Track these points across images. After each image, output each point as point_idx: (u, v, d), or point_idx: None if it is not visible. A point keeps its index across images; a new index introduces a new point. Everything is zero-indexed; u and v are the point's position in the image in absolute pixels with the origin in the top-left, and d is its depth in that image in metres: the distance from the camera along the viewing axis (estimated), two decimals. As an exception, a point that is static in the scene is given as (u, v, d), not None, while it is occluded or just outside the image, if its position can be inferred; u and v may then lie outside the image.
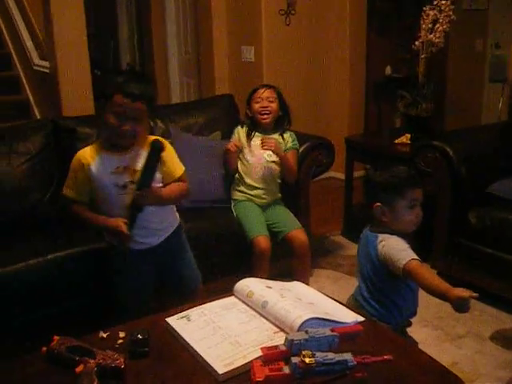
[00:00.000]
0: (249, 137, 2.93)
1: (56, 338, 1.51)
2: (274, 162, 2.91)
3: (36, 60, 5.17)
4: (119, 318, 1.74)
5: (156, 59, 5.82)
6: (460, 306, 1.70)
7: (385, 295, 1.93)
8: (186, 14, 5.33)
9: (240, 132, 2.98)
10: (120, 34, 6.48)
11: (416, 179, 1.95)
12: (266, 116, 2.90)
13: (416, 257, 1.84)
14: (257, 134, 2.93)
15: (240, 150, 2.91)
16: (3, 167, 2.69)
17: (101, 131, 2.16)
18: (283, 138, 2.95)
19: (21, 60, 5.65)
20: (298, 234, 2.80)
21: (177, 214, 2.30)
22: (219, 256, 2.77)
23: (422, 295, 2.92)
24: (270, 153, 2.87)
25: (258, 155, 2.90)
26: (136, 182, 2.03)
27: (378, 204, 1.93)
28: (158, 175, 2.09)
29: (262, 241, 2.70)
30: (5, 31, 5.92)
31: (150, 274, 2.24)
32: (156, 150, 2.00)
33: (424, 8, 3.48)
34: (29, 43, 5.33)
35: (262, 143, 2.78)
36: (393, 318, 1.94)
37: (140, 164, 2.05)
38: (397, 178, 1.93)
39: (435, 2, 3.43)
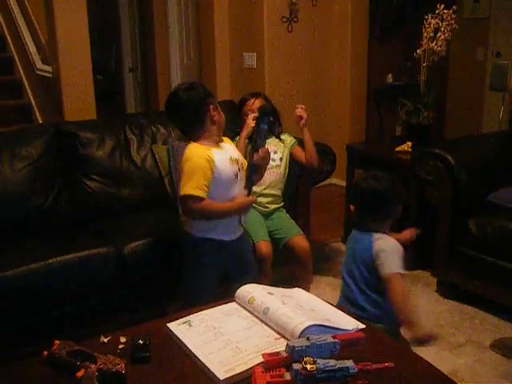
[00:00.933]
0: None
1: (57, 342, 1.51)
2: (278, 165, 2.92)
3: (38, 64, 5.17)
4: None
5: (158, 64, 5.84)
6: (415, 342, 1.85)
7: (380, 294, 1.95)
8: (189, 19, 5.35)
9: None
10: (122, 39, 6.49)
11: (402, 197, 2.09)
12: None
13: (402, 271, 1.90)
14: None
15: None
16: (6, 171, 2.70)
17: (201, 132, 2.23)
18: (282, 141, 2.99)
19: (23, 64, 5.66)
20: (300, 240, 2.82)
21: None
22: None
23: (421, 303, 2.95)
24: (275, 157, 2.90)
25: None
26: (250, 147, 2.28)
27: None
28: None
29: (264, 246, 2.72)
30: (8, 35, 5.92)
31: (221, 266, 2.34)
32: (266, 112, 2.23)
33: (426, 17, 3.50)
34: (31, 47, 5.34)
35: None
36: (388, 317, 1.95)
37: (235, 154, 2.28)
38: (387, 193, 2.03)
39: (437, 11, 3.45)
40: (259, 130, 2.21)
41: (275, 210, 2.93)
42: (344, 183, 4.21)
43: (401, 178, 3.55)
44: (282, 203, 2.97)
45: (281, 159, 2.95)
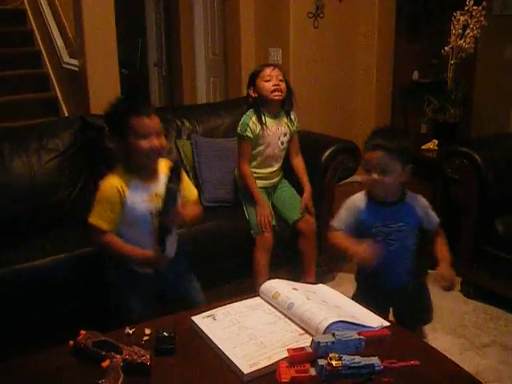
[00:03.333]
0: (261, 123, 2.80)
1: (83, 332, 1.53)
2: (285, 148, 2.93)
3: (65, 58, 5.22)
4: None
5: (183, 59, 5.85)
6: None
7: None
8: (214, 14, 5.35)
9: (255, 123, 2.81)
10: (148, 33, 6.52)
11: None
12: (278, 93, 2.79)
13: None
14: (267, 118, 2.82)
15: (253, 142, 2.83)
16: (33, 163, 2.73)
17: (124, 159, 2.07)
18: (291, 120, 2.91)
19: (50, 58, 5.72)
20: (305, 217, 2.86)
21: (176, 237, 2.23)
22: (235, 257, 2.82)
23: (445, 303, 2.92)
24: (284, 140, 2.89)
25: (273, 145, 2.86)
26: (160, 205, 1.98)
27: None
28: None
29: (266, 236, 2.74)
30: (36, 29, 6.00)
31: (153, 294, 2.14)
32: (177, 172, 1.96)
33: (454, 13, 3.46)
34: (59, 41, 5.39)
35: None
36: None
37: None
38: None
39: (466, 8, 3.40)
40: (169, 190, 1.95)
41: (279, 180, 2.96)
42: (367, 181, 4.19)
43: (426, 177, 3.57)
44: (282, 172, 2.98)
45: (287, 142, 2.91)
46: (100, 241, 2.05)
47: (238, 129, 2.84)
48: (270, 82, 2.78)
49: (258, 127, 2.80)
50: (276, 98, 2.80)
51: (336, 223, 2.03)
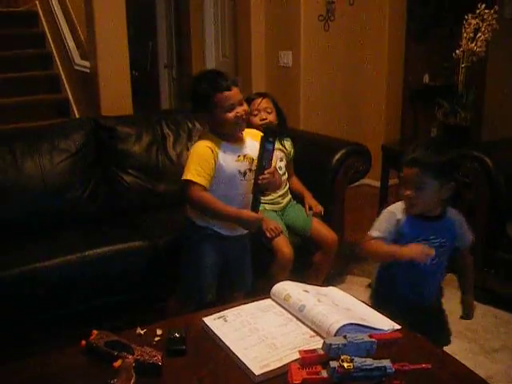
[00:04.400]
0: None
1: (95, 332, 1.54)
2: (284, 173, 2.91)
3: (77, 59, 5.25)
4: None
5: (193, 61, 5.87)
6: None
7: None
8: (225, 16, 5.36)
9: None
10: (158, 35, 6.54)
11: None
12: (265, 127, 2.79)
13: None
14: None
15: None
16: (45, 164, 2.75)
17: (215, 124, 2.22)
18: (284, 147, 2.92)
19: (62, 60, 5.74)
20: (325, 230, 2.83)
21: None
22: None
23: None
24: (281, 165, 2.88)
25: None
26: (256, 168, 2.17)
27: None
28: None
29: (283, 244, 2.66)
30: (48, 31, 6.04)
31: (221, 261, 2.30)
32: (272, 132, 2.14)
33: (466, 17, 3.44)
34: (71, 43, 5.42)
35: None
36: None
37: (255, 153, 2.19)
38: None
39: (478, 11, 3.39)
40: (265, 151, 2.13)
41: (287, 202, 2.92)
42: (376, 183, 4.19)
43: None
44: (290, 195, 2.95)
45: (285, 166, 2.92)
46: (197, 196, 2.14)
47: None
48: (257, 117, 2.81)
49: None
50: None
51: (375, 233, 1.92)
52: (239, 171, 2.19)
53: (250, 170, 2.21)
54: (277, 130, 2.17)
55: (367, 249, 1.97)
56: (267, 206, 2.82)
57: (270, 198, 2.83)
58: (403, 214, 1.88)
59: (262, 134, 2.21)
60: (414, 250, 1.81)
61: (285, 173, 2.92)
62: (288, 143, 2.96)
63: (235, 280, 2.40)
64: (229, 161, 2.17)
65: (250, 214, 2.18)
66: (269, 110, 2.85)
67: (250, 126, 2.76)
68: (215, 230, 2.25)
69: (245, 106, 2.21)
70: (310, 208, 2.86)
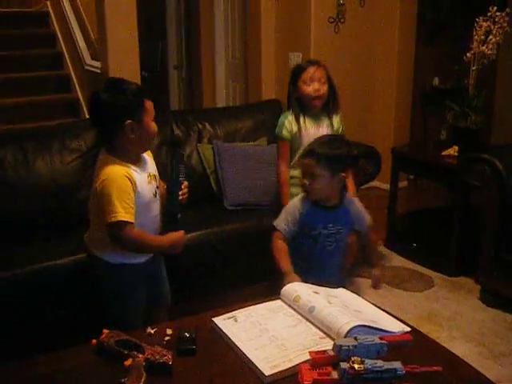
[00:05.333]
0: (299, 123, 2.66)
1: (105, 331, 1.54)
2: None
3: (87, 60, 5.28)
4: None
5: (203, 62, 5.88)
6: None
7: None
8: (235, 18, 5.37)
9: (291, 123, 2.68)
10: (168, 36, 6.56)
11: None
12: (318, 101, 2.66)
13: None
14: (307, 118, 2.68)
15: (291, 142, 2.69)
16: (56, 163, 2.77)
17: (123, 145, 1.95)
18: (332, 123, 2.74)
19: (73, 60, 5.78)
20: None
21: None
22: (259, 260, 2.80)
23: (464, 311, 2.90)
24: None
25: None
26: (169, 185, 2.04)
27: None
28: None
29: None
30: (58, 32, 6.07)
31: (145, 291, 2.13)
32: (178, 147, 2.07)
33: (477, 19, 3.44)
34: (81, 43, 5.45)
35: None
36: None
37: (153, 169, 2.06)
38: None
39: (489, 14, 3.38)
40: (175, 165, 2.02)
41: None
42: (385, 186, 4.18)
43: (446, 183, 3.56)
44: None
45: None
46: (132, 237, 1.91)
47: (276, 129, 2.74)
48: (311, 87, 2.62)
49: (295, 127, 2.66)
50: (316, 104, 2.68)
51: (280, 225, 2.13)
52: (152, 193, 2.02)
53: (158, 187, 2.05)
54: (181, 139, 2.03)
55: (273, 245, 2.13)
56: (295, 191, 2.57)
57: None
58: (305, 205, 2.09)
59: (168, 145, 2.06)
60: (289, 278, 1.95)
61: None
62: (337, 119, 2.77)
63: (157, 297, 2.22)
64: (144, 185, 1.97)
65: (176, 237, 2.02)
66: (323, 81, 2.64)
67: (302, 96, 2.65)
68: (134, 262, 2.05)
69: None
70: None
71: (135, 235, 1.92)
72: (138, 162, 2.00)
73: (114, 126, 1.92)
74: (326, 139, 2.16)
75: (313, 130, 2.67)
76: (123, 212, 1.87)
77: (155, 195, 2.03)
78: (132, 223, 1.90)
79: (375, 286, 2.29)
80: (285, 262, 2.06)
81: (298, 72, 2.68)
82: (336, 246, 2.14)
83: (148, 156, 2.08)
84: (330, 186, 2.05)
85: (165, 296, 2.28)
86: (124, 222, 1.87)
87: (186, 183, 2.06)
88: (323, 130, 2.70)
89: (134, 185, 1.91)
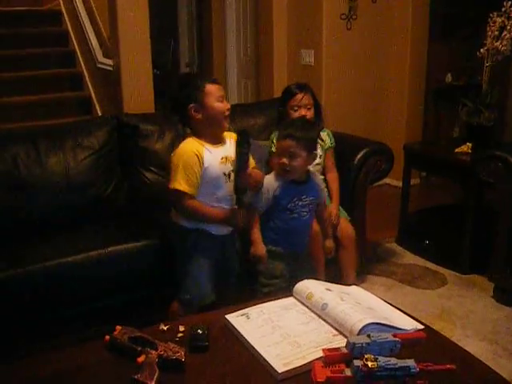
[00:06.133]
0: None
1: (118, 327, 1.55)
2: (318, 163, 2.89)
3: (100, 58, 5.29)
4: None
5: (215, 60, 5.88)
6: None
7: None
8: (247, 15, 5.37)
9: None
10: (180, 34, 6.57)
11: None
12: None
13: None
14: None
15: None
16: (69, 160, 2.77)
17: (196, 128, 2.27)
18: (320, 138, 2.87)
19: (85, 57, 5.79)
20: (344, 224, 2.81)
21: None
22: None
23: (477, 309, 2.88)
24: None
25: None
26: (234, 167, 2.20)
27: None
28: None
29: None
30: (71, 30, 6.09)
31: (214, 261, 2.32)
32: (246, 136, 2.15)
33: (491, 15, 3.41)
34: (94, 41, 5.46)
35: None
36: None
37: (231, 152, 2.22)
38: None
39: (503, 9, 3.35)
40: (240, 154, 2.16)
41: None
42: (397, 183, 4.16)
43: (459, 180, 3.53)
44: (326, 189, 2.90)
45: (320, 157, 2.89)
46: (186, 205, 2.19)
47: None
48: (297, 113, 2.82)
49: None
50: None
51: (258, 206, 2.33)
52: (224, 173, 2.24)
53: (234, 171, 2.24)
54: (249, 133, 2.21)
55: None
56: None
57: None
58: (278, 182, 2.30)
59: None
60: (258, 251, 2.31)
61: (318, 164, 2.88)
62: (324, 134, 2.95)
63: (225, 274, 2.40)
64: (214, 164, 2.21)
65: (234, 212, 2.25)
66: (309, 107, 2.85)
67: (290, 117, 2.83)
68: (205, 229, 2.27)
69: (228, 105, 2.28)
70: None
71: (190, 205, 2.19)
72: (215, 142, 2.26)
73: (183, 112, 2.25)
74: (300, 123, 2.40)
75: None
76: (183, 182, 2.16)
77: (228, 176, 2.24)
78: (189, 194, 2.17)
79: (327, 255, 2.57)
80: (255, 233, 2.31)
81: (286, 97, 2.91)
82: (310, 215, 2.39)
83: (231, 140, 2.27)
84: (306, 163, 2.32)
85: (232, 274, 2.43)
86: (181, 191, 2.16)
87: (248, 171, 2.21)
88: None
89: (200, 161, 2.17)
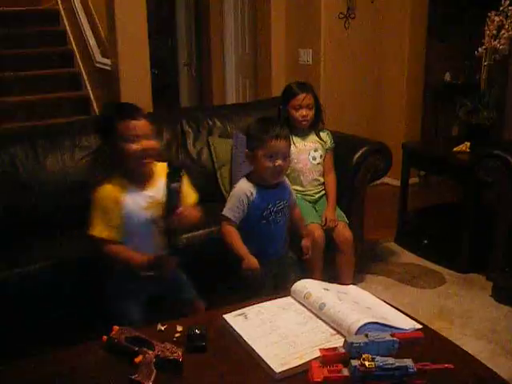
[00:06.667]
0: None
1: (116, 327, 1.55)
2: (320, 163, 2.92)
3: (98, 57, 5.29)
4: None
5: (213, 58, 5.89)
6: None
7: None
8: (245, 14, 5.37)
9: None
10: (178, 33, 6.57)
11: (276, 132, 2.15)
12: (305, 123, 2.88)
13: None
14: (294, 136, 2.82)
15: None
16: (67, 160, 2.77)
17: (116, 166, 2.02)
18: (320, 138, 2.93)
19: (83, 57, 5.79)
20: (341, 227, 2.80)
21: None
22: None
23: (475, 308, 2.88)
24: (316, 155, 2.90)
25: (304, 160, 2.88)
26: (164, 206, 1.93)
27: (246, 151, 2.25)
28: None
29: (315, 228, 2.70)
30: (69, 29, 6.09)
31: (145, 297, 2.11)
32: (177, 171, 1.92)
33: (489, 14, 3.41)
34: (92, 41, 5.46)
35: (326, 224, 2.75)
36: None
37: (160, 194, 1.96)
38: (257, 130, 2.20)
39: (501, 8, 3.35)
40: (171, 190, 1.89)
41: (320, 196, 2.92)
42: (396, 182, 4.16)
43: (458, 179, 3.53)
44: (324, 191, 2.94)
45: (321, 157, 2.92)
46: (105, 251, 1.99)
47: None
48: (299, 112, 2.85)
49: None
50: (303, 125, 2.89)
51: (229, 213, 2.21)
52: (150, 219, 1.99)
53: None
54: (181, 167, 1.95)
55: (225, 233, 2.22)
56: (299, 195, 2.81)
57: (301, 189, 2.87)
58: (253, 189, 2.19)
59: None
60: (251, 264, 2.13)
61: (319, 163, 2.91)
62: (324, 134, 2.96)
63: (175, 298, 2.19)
64: (136, 209, 1.98)
65: (158, 258, 1.96)
66: (310, 107, 2.87)
67: (290, 118, 2.87)
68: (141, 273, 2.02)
69: (151, 143, 2.00)
70: (326, 221, 2.79)
71: (109, 250, 1.98)
72: (142, 183, 2.02)
73: (104, 144, 2.05)
74: (273, 122, 2.26)
75: (300, 146, 2.89)
76: (101, 227, 1.96)
77: (154, 221, 1.98)
78: (107, 240, 1.97)
79: (305, 254, 2.41)
80: (241, 247, 2.17)
81: (288, 97, 2.90)
82: (283, 219, 2.29)
83: (161, 178, 1.98)
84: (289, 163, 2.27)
85: (187, 294, 2.20)
86: (97, 237, 1.97)
87: (181, 209, 1.93)
88: (310, 144, 2.92)
89: (120, 206, 1.96)
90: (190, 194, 2.11)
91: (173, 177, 1.89)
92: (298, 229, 2.45)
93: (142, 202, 1.99)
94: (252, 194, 2.19)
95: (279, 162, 2.14)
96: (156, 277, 2.01)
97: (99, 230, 1.97)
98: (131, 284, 2.04)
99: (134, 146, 1.94)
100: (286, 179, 2.39)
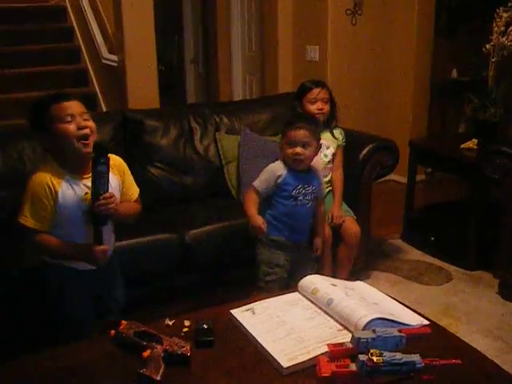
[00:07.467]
0: None
1: (124, 322, 1.55)
2: (330, 161, 2.93)
3: (105, 54, 5.29)
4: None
5: (219, 56, 5.88)
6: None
7: None
8: (252, 11, 5.36)
9: None
10: (185, 30, 6.57)
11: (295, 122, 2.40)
12: (321, 115, 2.89)
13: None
14: None
15: None
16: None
17: (57, 153, 1.92)
18: (333, 135, 2.94)
19: (90, 53, 5.79)
20: (350, 223, 2.80)
21: (114, 235, 2.10)
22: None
23: (482, 305, 2.88)
24: (327, 153, 2.90)
25: (316, 159, 2.88)
26: (91, 192, 1.84)
27: None
28: (114, 183, 1.94)
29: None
30: (76, 26, 6.10)
31: (89, 295, 2.03)
32: (102, 152, 1.82)
33: (497, 10, 3.39)
34: (98, 37, 5.46)
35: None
36: None
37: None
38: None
39: (510, 4, 3.34)
40: (97, 173, 1.79)
41: (327, 193, 2.91)
42: (403, 179, 4.16)
43: (465, 176, 3.52)
44: (331, 187, 2.95)
45: (332, 155, 2.93)
46: (33, 241, 1.88)
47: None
48: (315, 105, 2.88)
49: None
50: (318, 118, 2.87)
51: (257, 184, 2.42)
52: (82, 210, 1.88)
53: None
54: (107, 146, 1.91)
55: (244, 197, 2.50)
56: None
57: None
58: (285, 169, 2.39)
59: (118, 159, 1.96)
60: (255, 223, 2.35)
61: (330, 161, 2.92)
62: (337, 131, 2.98)
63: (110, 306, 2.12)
64: (71, 200, 1.87)
65: (93, 249, 1.88)
66: (325, 100, 2.90)
67: (306, 111, 2.89)
68: (71, 266, 1.95)
69: (89, 123, 1.90)
70: (332, 218, 2.80)
71: (37, 241, 1.88)
72: (81, 172, 1.91)
73: (37, 127, 1.94)
74: (305, 116, 2.63)
75: None
76: (29, 216, 1.86)
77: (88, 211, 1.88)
78: (35, 229, 1.86)
79: (316, 251, 2.57)
80: (250, 208, 2.39)
81: (303, 91, 2.94)
82: (312, 204, 2.45)
83: (112, 168, 1.90)
84: (315, 153, 2.45)
85: (112, 311, 2.11)
86: (24, 225, 1.86)
87: (108, 193, 1.84)
88: (323, 141, 2.87)
89: (52, 195, 1.85)
90: (132, 188, 2.10)
91: (99, 157, 1.79)
92: (317, 225, 2.56)
93: (79, 191, 1.88)
94: (282, 173, 2.38)
95: (298, 149, 2.34)
96: (93, 271, 1.95)
97: (27, 219, 1.86)
98: (70, 285, 1.96)
99: (71, 126, 1.85)
100: (320, 174, 2.57)
